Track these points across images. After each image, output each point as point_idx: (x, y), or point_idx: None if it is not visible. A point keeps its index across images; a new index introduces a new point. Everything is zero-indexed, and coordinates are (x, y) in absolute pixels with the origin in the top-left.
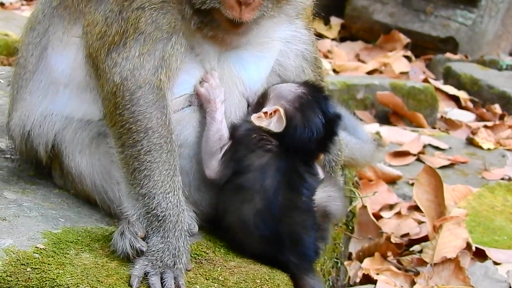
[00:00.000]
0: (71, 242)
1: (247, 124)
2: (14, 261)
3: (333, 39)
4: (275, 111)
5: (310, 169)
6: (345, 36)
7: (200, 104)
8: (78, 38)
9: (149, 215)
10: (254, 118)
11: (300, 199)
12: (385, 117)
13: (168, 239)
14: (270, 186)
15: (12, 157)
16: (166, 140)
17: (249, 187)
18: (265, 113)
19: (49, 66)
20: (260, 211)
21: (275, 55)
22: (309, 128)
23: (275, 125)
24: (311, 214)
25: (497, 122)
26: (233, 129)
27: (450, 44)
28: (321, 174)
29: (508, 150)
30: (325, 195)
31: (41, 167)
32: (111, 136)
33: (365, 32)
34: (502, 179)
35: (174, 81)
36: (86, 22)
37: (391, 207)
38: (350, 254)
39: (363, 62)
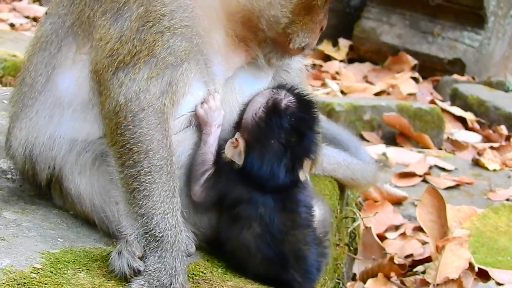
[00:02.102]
0: (69, 262)
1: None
2: (11, 281)
3: (341, 61)
4: (236, 140)
5: (299, 185)
6: (353, 57)
7: (199, 124)
8: (86, 55)
9: (147, 235)
10: (226, 146)
11: (299, 217)
12: (392, 138)
13: (165, 259)
14: (264, 213)
15: (13, 177)
16: (166, 162)
17: (245, 216)
18: (232, 142)
19: (57, 86)
20: (260, 235)
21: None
22: (266, 163)
23: (237, 157)
24: (312, 229)
25: (503, 143)
26: (218, 154)
27: (457, 66)
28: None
29: None
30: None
31: (42, 188)
32: (111, 155)
33: (373, 54)
34: (507, 200)
35: (178, 106)
36: (98, 35)
37: (396, 228)
38: (354, 275)
39: (371, 83)
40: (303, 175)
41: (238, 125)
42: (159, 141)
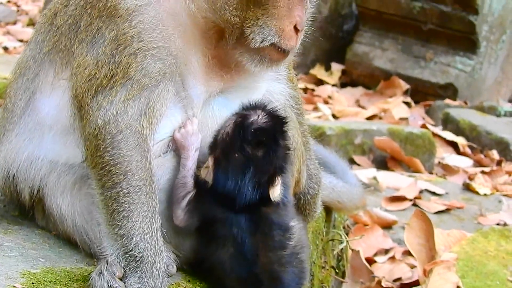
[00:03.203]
0: (50, 281)
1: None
2: None
3: (333, 85)
4: (207, 162)
5: (272, 204)
6: (345, 82)
7: (177, 148)
8: (66, 81)
9: (127, 255)
10: (200, 170)
11: (272, 239)
12: (383, 162)
13: (146, 280)
14: (237, 234)
15: None
16: (145, 183)
17: (220, 236)
18: (207, 162)
19: (35, 109)
20: (234, 255)
21: (260, 97)
22: (231, 178)
23: (208, 176)
24: (288, 251)
25: (495, 168)
26: (197, 177)
27: (449, 90)
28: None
29: (504, 195)
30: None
31: (24, 208)
32: (92, 177)
33: (365, 78)
34: (498, 224)
35: (156, 127)
36: (76, 63)
37: (386, 251)
38: None
39: (363, 107)
40: (275, 193)
41: (211, 146)
42: (138, 162)
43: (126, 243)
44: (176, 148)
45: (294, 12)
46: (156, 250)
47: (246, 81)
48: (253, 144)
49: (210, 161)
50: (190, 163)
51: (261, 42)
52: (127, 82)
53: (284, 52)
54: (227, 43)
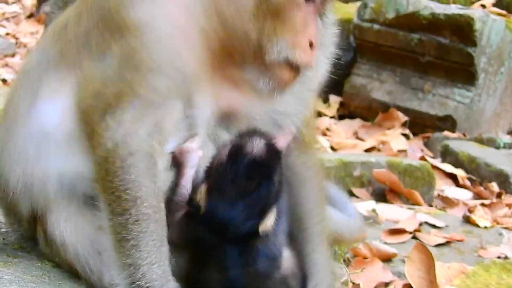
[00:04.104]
0: None
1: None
2: None
3: (331, 117)
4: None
5: (261, 237)
6: (343, 114)
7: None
8: (71, 92)
9: (134, 285)
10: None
11: (257, 268)
12: (382, 195)
13: None
14: (223, 259)
15: None
16: (154, 210)
17: (206, 258)
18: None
19: (41, 118)
20: (219, 279)
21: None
22: (223, 208)
23: (201, 201)
24: (274, 280)
25: (494, 200)
26: (190, 198)
27: (448, 122)
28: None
29: (505, 228)
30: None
31: (26, 237)
32: (101, 201)
33: (363, 110)
34: (498, 257)
35: (165, 147)
36: (82, 74)
37: (386, 285)
38: None
39: (361, 139)
40: (265, 226)
41: (206, 172)
42: (148, 187)
43: (133, 273)
44: (173, 164)
45: (309, 28)
46: (163, 279)
47: (255, 103)
48: (246, 177)
49: (203, 188)
50: (183, 181)
51: (277, 54)
52: (135, 100)
53: (297, 70)
54: (238, 60)
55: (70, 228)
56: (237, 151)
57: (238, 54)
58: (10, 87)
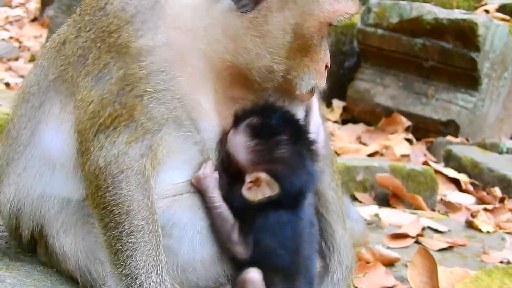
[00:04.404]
0: None
1: (237, 197)
2: None
3: (335, 122)
4: (257, 179)
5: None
6: (347, 118)
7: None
8: (72, 115)
9: None
10: (246, 193)
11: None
12: (385, 199)
13: None
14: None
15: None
16: (148, 221)
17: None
18: (252, 182)
19: (43, 143)
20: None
21: None
22: (297, 172)
23: (269, 191)
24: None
25: (497, 205)
26: (237, 207)
27: (451, 127)
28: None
29: (507, 233)
30: None
31: (27, 244)
32: (94, 216)
33: (366, 115)
34: (501, 262)
35: (159, 169)
36: (80, 96)
37: None
38: None
39: (364, 144)
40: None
41: (236, 168)
42: (140, 201)
43: (130, 283)
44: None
45: (327, 52)
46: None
47: None
48: (285, 131)
49: (262, 176)
50: (218, 202)
51: (306, 87)
52: (131, 124)
53: (313, 92)
54: (255, 84)
55: (70, 238)
56: (254, 124)
57: (258, 84)
58: (13, 108)
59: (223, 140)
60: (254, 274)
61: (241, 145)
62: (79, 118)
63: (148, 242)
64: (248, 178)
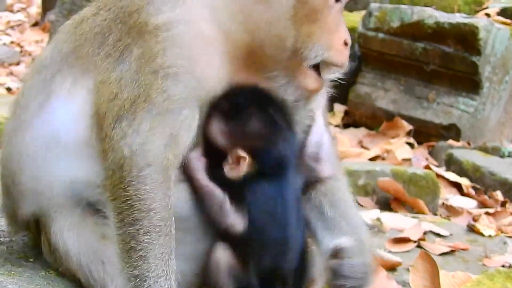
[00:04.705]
0: None
1: (224, 178)
2: None
3: (336, 126)
4: (236, 158)
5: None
6: (348, 122)
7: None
8: (86, 92)
9: None
10: (228, 172)
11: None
12: (386, 203)
13: None
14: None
15: (1, 239)
16: (166, 223)
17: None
18: (232, 162)
19: (52, 118)
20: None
21: None
22: (274, 144)
23: (247, 167)
24: None
25: (499, 209)
26: (227, 182)
27: (452, 131)
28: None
29: (509, 237)
30: None
31: (30, 246)
32: (110, 209)
33: (368, 119)
34: (503, 266)
35: (179, 159)
36: (100, 77)
37: None
38: None
39: (366, 148)
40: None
41: (219, 152)
42: (161, 200)
43: (139, 285)
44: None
45: (341, 28)
46: None
47: None
48: (252, 104)
49: (240, 153)
50: (205, 181)
51: (315, 58)
52: (150, 107)
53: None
54: (266, 67)
55: (73, 237)
56: (222, 105)
57: (269, 61)
58: (24, 79)
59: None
60: (220, 252)
61: (216, 130)
62: (98, 100)
63: (163, 245)
64: (229, 159)
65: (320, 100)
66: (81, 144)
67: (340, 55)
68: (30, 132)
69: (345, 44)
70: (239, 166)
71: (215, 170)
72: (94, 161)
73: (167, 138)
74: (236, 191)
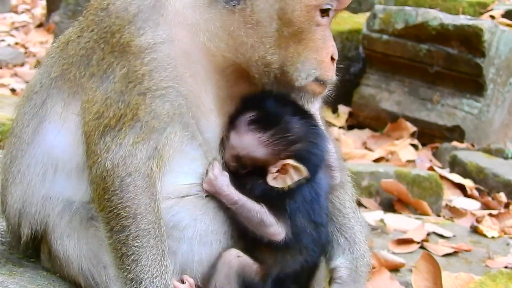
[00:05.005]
0: None
1: (259, 189)
2: None
3: (340, 127)
4: (282, 167)
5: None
6: (352, 124)
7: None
8: (76, 115)
9: None
10: (272, 182)
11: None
12: (390, 205)
13: None
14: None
15: (2, 239)
16: (154, 226)
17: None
18: (279, 171)
19: (47, 141)
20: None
21: None
22: (317, 145)
23: (297, 175)
24: None
25: (502, 210)
26: (261, 194)
27: (456, 133)
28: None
29: None
30: None
31: (28, 248)
32: (100, 220)
33: (372, 120)
34: (506, 267)
35: (165, 170)
36: (86, 97)
37: None
38: None
39: (370, 150)
40: None
41: (254, 165)
42: (147, 205)
43: (135, 287)
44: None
45: (329, 43)
46: None
47: None
48: (287, 111)
49: (290, 162)
50: (237, 196)
51: (306, 78)
52: (136, 124)
53: (324, 84)
54: (253, 81)
55: (73, 243)
56: (262, 112)
57: (253, 77)
58: (17, 107)
59: (225, 145)
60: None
61: (254, 142)
62: (84, 119)
63: (154, 247)
64: (273, 169)
65: (315, 105)
66: (77, 166)
67: (328, 70)
68: (26, 159)
69: (332, 59)
70: (286, 175)
71: (246, 184)
72: (84, 177)
73: (151, 151)
74: (273, 199)
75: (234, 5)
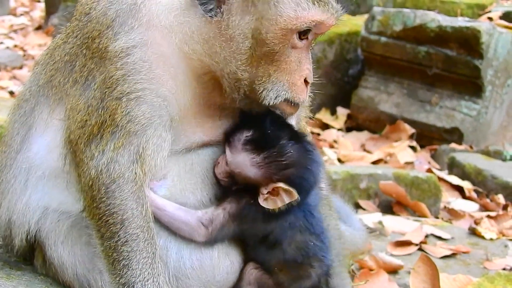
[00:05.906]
0: None
1: (240, 203)
2: None
3: (339, 129)
4: (273, 190)
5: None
6: (351, 126)
7: None
8: (59, 121)
9: None
10: (263, 203)
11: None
12: (388, 207)
13: None
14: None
15: (0, 242)
16: (142, 230)
17: (284, 238)
18: (268, 193)
19: (30, 146)
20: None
21: None
22: (310, 171)
23: (288, 198)
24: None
25: (501, 212)
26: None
27: (455, 135)
28: None
29: (510, 240)
30: None
31: (23, 255)
32: (91, 228)
33: (371, 122)
34: (504, 269)
35: (150, 174)
36: (69, 105)
37: None
38: None
39: (368, 152)
40: None
41: (246, 184)
42: (134, 210)
43: None
44: None
45: (304, 66)
46: None
47: None
48: (283, 134)
49: (280, 185)
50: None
51: (275, 99)
52: (115, 129)
53: (295, 106)
54: (227, 93)
55: (67, 250)
56: (260, 132)
57: (226, 89)
58: (8, 115)
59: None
60: (250, 271)
61: (247, 163)
62: (70, 128)
63: (144, 250)
64: (264, 190)
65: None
66: (61, 172)
67: (300, 93)
68: (13, 168)
69: (306, 82)
70: (277, 197)
71: (239, 202)
72: (68, 185)
73: (133, 155)
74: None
75: (211, 16)
